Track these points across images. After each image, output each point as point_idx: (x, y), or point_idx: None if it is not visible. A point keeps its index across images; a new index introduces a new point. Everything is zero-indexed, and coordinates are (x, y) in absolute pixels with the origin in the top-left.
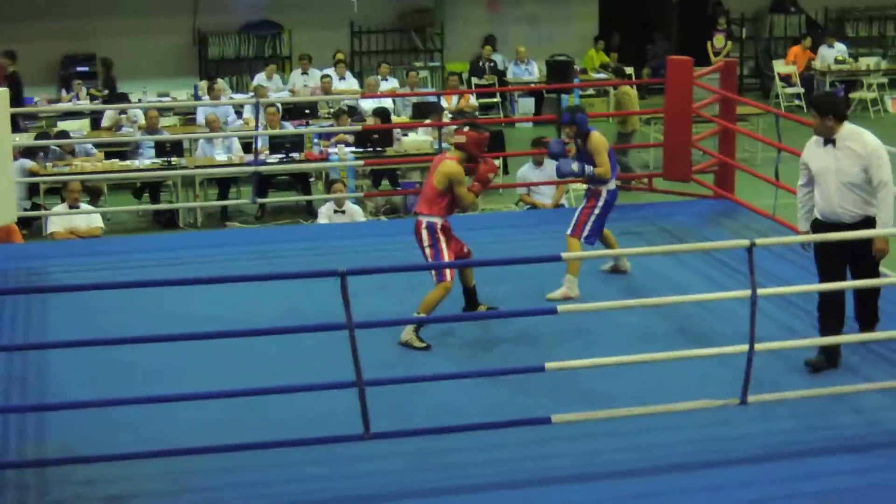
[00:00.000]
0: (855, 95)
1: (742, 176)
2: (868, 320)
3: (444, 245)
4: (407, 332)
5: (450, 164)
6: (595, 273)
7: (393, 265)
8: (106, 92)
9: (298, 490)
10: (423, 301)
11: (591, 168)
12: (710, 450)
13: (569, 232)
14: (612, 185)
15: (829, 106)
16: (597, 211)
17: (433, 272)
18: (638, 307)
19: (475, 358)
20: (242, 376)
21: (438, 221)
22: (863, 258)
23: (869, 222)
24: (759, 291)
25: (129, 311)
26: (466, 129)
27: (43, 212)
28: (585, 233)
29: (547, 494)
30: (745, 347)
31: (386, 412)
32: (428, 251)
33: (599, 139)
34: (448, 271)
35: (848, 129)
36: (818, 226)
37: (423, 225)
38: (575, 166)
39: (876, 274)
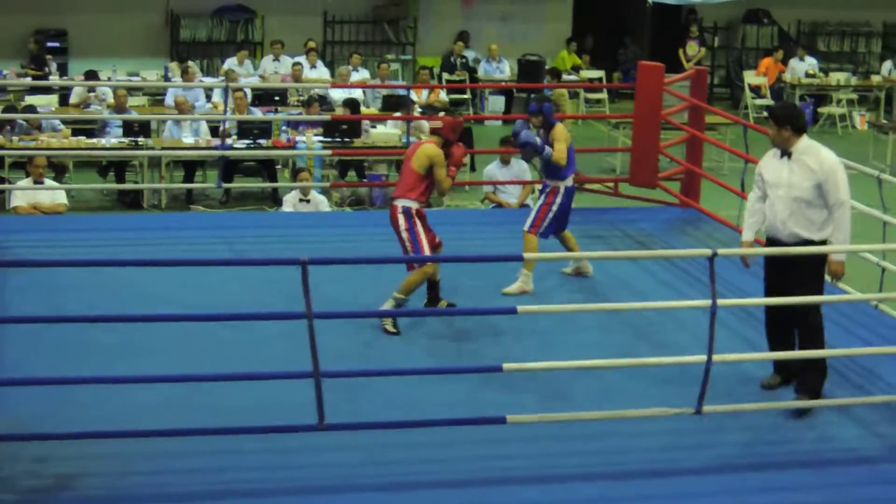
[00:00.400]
0: (824, 110)
1: (708, 185)
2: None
3: (420, 230)
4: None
5: (430, 147)
6: (557, 275)
7: (355, 256)
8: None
9: (249, 478)
10: (402, 283)
11: (550, 150)
12: (664, 458)
13: (526, 228)
14: (569, 182)
15: (787, 117)
16: (554, 208)
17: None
18: (598, 311)
19: (434, 354)
20: (200, 360)
21: (414, 206)
22: (802, 284)
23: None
24: (720, 302)
25: (90, 289)
26: (442, 114)
27: (7, 185)
28: (542, 229)
29: (499, 495)
30: (703, 357)
31: (341, 404)
32: (405, 235)
33: (562, 130)
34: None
35: (805, 143)
36: (767, 241)
37: (399, 209)
38: (537, 139)
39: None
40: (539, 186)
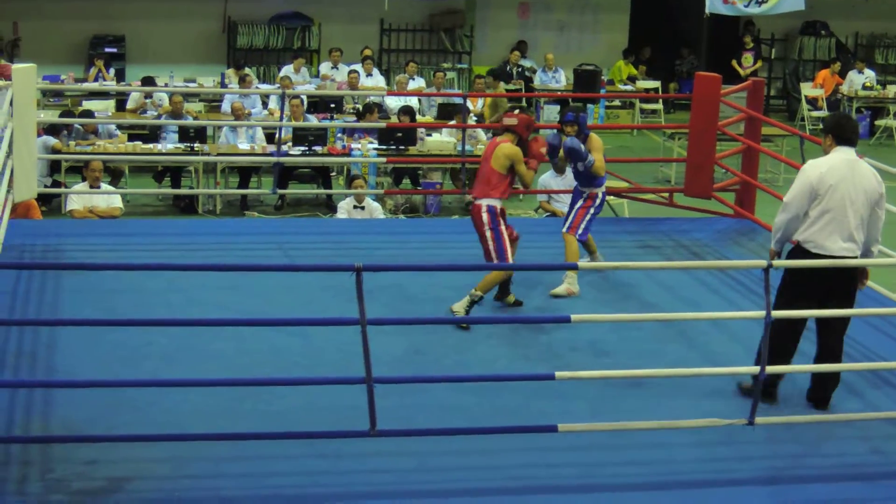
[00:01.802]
0: (881, 123)
1: (763, 196)
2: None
3: (503, 228)
4: (461, 304)
5: (508, 147)
6: (610, 285)
7: (409, 263)
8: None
9: (300, 483)
10: (484, 280)
11: (592, 158)
12: (715, 469)
13: (565, 230)
14: (604, 188)
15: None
16: (592, 210)
17: (494, 254)
18: (651, 321)
19: (487, 361)
20: (252, 365)
21: (498, 204)
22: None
23: (799, 250)
24: (774, 313)
25: (143, 293)
26: (517, 111)
27: (63, 189)
28: (580, 231)
29: (548, 502)
30: (757, 369)
31: (394, 410)
32: (489, 234)
33: (598, 140)
34: (510, 254)
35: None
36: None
37: (484, 208)
38: (582, 146)
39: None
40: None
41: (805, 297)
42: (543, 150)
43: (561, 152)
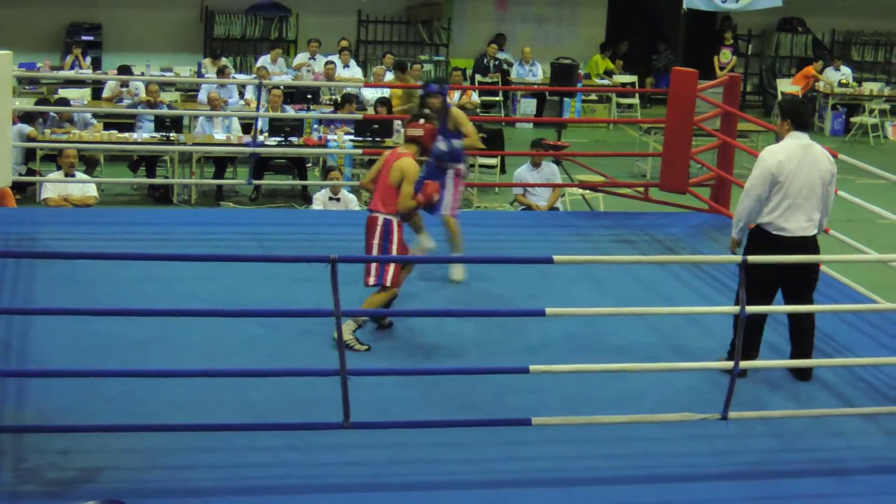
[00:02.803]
0: (856, 120)
1: (738, 192)
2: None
3: (394, 248)
4: (346, 333)
5: (408, 162)
6: (588, 278)
7: (384, 255)
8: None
9: (273, 475)
10: (367, 302)
11: (460, 141)
12: (689, 464)
13: (446, 213)
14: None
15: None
16: (461, 188)
17: (372, 275)
18: (625, 315)
19: (460, 354)
20: (226, 356)
21: (395, 219)
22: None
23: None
24: (748, 308)
25: (118, 282)
26: (422, 121)
27: (38, 178)
28: (457, 210)
29: (523, 496)
30: (730, 364)
31: (367, 402)
32: (375, 249)
33: (460, 112)
34: (391, 278)
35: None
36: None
37: (380, 221)
38: (443, 145)
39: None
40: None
41: (769, 276)
42: (436, 195)
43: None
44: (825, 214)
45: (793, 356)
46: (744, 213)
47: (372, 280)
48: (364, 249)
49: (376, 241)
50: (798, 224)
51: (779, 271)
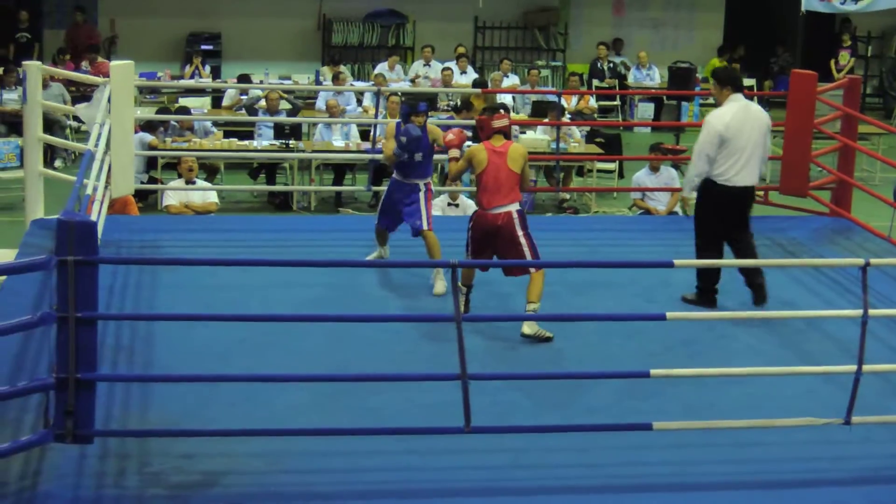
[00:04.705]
0: None
1: (859, 195)
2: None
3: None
4: (532, 325)
5: (517, 146)
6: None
7: (504, 260)
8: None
9: (394, 479)
10: (534, 291)
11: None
12: (810, 469)
13: (427, 227)
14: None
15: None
16: (433, 200)
17: (532, 257)
18: (746, 319)
19: (581, 358)
20: (346, 361)
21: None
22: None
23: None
24: (871, 312)
25: (239, 289)
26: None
27: (159, 185)
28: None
29: (642, 501)
30: (853, 368)
31: (488, 407)
32: (524, 240)
33: (437, 128)
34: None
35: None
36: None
37: (514, 214)
38: (416, 131)
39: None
40: None
41: (719, 219)
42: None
43: (403, 139)
44: (764, 163)
45: (749, 285)
46: (695, 173)
47: (532, 269)
48: (497, 249)
49: (521, 232)
50: (744, 176)
51: (723, 214)
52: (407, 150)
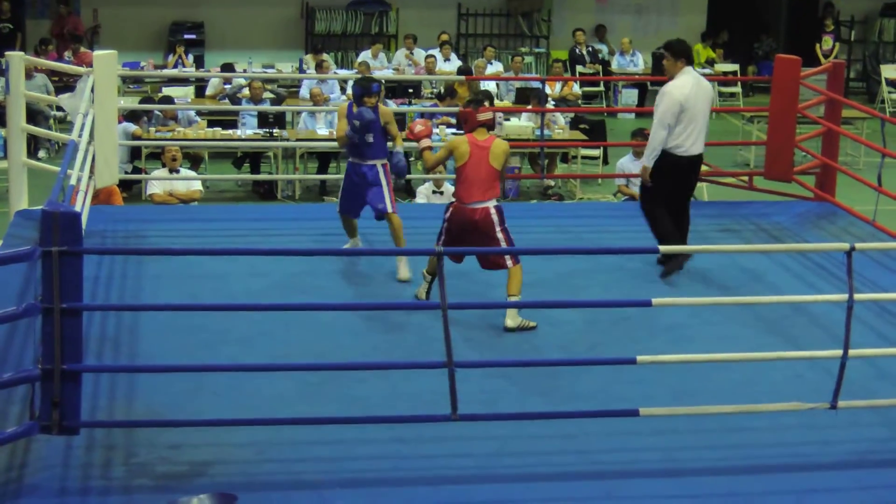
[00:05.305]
0: None
1: (844, 179)
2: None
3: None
4: (515, 317)
5: (500, 142)
6: (693, 268)
7: (489, 248)
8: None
9: (382, 467)
10: (514, 284)
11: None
12: (797, 453)
13: (391, 210)
14: None
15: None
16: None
17: (507, 257)
18: (731, 305)
19: (567, 345)
20: (332, 350)
21: (497, 203)
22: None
23: (666, 154)
24: (857, 297)
25: (224, 278)
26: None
27: (144, 175)
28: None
29: (630, 487)
30: (839, 352)
31: (474, 395)
32: (500, 235)
33: (389, 111)
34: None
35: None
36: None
37: (492, 210)
38: (370, 114)
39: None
40: None
41: (675, 187)
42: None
43: (357, 123)
44: (707, 132)
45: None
46: (658, 143)
47: (510, 261)
48: (474, 244)
49: (498, 228)
50: (697, 145)
51: (676, 182)
52: (359, 131)
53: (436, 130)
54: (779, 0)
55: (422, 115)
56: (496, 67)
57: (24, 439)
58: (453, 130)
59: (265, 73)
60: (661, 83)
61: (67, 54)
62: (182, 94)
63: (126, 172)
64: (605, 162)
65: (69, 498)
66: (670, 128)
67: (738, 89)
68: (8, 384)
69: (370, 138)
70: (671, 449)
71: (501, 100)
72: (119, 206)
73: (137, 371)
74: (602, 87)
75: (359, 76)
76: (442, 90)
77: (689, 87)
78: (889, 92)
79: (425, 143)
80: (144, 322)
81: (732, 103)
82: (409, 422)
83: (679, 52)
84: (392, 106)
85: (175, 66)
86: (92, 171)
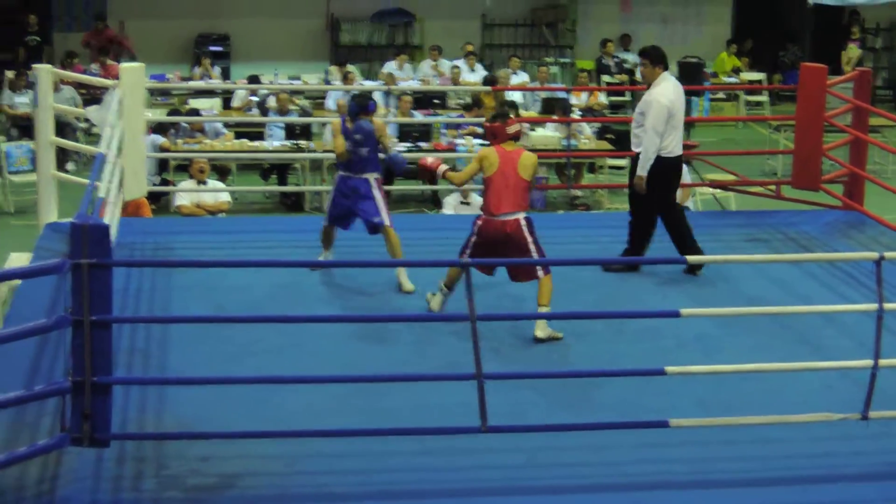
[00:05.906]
0: None
1: (872, 188)
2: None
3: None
4: (545, 329)
5: (528, 154)
6: (721, 279)
7: (519, 259)
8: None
9: (411, 479)
10: (544, 295)
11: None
12: (827, 464)
13: (387, 223)
14: None
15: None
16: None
17: (539, 267)
18: (760, 315)
19: (595, 356)
20: (360, 361)
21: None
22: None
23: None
24: (886, 306)
25: (252, 289)
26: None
27: (172, 187)
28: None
29: (660, 499)
30: (870, 362)
31: (501, 407)
32: (533, 247)
33: (382, 124)
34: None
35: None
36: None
37: (522, 222)
38: (370, 127)
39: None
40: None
41: (668, 190)
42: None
43: (359, 137)
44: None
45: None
46: (652, 152)
47: (541, 271)
48: (506, 257)
49: (530, 239)
50: (680, 146)
51: (670, 183)
52: (360, 145)
53: (462, 141)
54: (804, 8)
55: (447, 125)
56: (522, 77)
57: (56, 452)
58: (480, 141)
59: (291, 84)
60: (687, 92)
61: (94, 67)
62: (209, 106)
63: (154, 184)
64: None
65: None
66: (662, 135)
67: (764, 98)
68: (39, 396)
69: (364, 152)
70: (701, 460)
71: (527, 110)
72: (147, 219)
73: (167, 383)
74: (628, 97)
75: (357, 94)
76: (468, 101)
77: (672, 93)
78: None
79: (442, 168)
80: (174, 334)
81: (759, 112)
82: (437, 434)
83: (657, 59)
84: (418, 117)
85: (201, 79)
86: (120, 184)
